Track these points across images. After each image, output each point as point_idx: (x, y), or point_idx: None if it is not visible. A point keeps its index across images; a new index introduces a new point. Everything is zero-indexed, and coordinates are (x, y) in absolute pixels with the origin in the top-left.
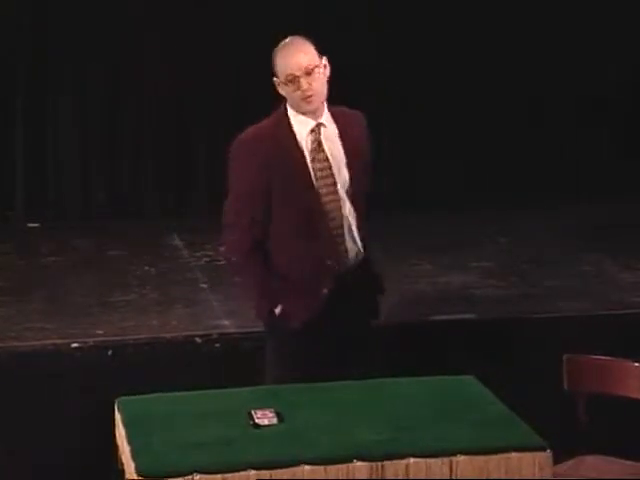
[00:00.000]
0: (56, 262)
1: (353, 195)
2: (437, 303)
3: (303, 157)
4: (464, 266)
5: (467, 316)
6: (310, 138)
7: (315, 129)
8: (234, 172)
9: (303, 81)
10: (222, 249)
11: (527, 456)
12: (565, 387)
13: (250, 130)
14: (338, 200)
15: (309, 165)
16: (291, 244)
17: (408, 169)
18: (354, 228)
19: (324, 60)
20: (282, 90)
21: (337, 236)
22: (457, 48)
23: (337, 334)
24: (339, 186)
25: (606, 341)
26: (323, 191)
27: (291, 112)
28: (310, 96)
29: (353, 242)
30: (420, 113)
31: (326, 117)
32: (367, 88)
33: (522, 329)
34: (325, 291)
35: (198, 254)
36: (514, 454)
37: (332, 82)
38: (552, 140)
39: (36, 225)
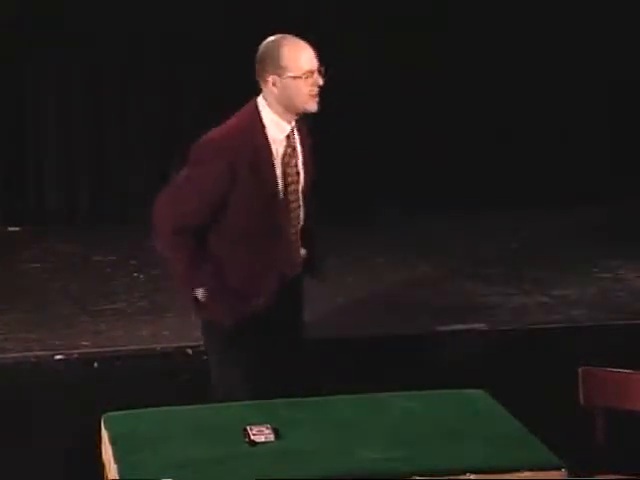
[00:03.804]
0: (38, 268)
1: (307, 199)
2: (443, 312)
3: (272, 162)
4: (472, 272)
5: (476, 326)
6: (285, 143)
7: (290, 134)
8: (195, 171)
9: (318, 77)
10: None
11: (541, 475)
12: (581, 402)
13: (218, 131)
14: (299, 207)
15: (278, 171)
16: (241, 248)
17: (411, 169)
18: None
19: None
20: (282, 87)
21: (295, 242)
22: (463, 48)
23: (271, 342)
24: (300, 192)
25: (624, 353)
26: (290, 198)
27: (267, 114)
28: (319, 94)
29: (304, 247)
30: (429, 113)
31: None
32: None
33: (535, 340)
34: (264, 297)
35: None
36: (527, 473)
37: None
38: (565, 140)
39: (16, 229)
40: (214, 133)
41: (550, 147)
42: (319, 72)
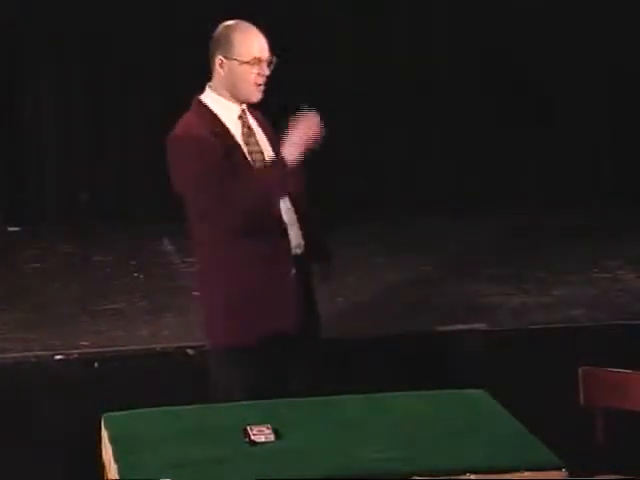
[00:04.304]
0: (38, 268)
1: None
2: (443, 312)
3: (236, 142)
4: (472, 272)
5: (476, 326)
6: (240, 124)
7: (242, 114)
8: (184, 161)
9: (265, 67)
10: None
11: (541, 475)
12: (581, 402)
13: (180, 125)
14: None
15: (245, 150)
16: (236, 244)
17: (411, 170)
18: (295, 219)
19: None
20: (228, 70)
21: (282, 225)
22: (463, 47)
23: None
24: None
25: (624, 353)
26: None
27: (214, 101)
28: (265, 84)
29: (295, 234)
30: (429, 113)
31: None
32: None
33: (535, 340)
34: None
35: (190, 260)
36: (527, 473)
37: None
38: (565, 140)
39: (16, 229)
40: (177, 128)
41: (550, 147)
42: (268, 63)
